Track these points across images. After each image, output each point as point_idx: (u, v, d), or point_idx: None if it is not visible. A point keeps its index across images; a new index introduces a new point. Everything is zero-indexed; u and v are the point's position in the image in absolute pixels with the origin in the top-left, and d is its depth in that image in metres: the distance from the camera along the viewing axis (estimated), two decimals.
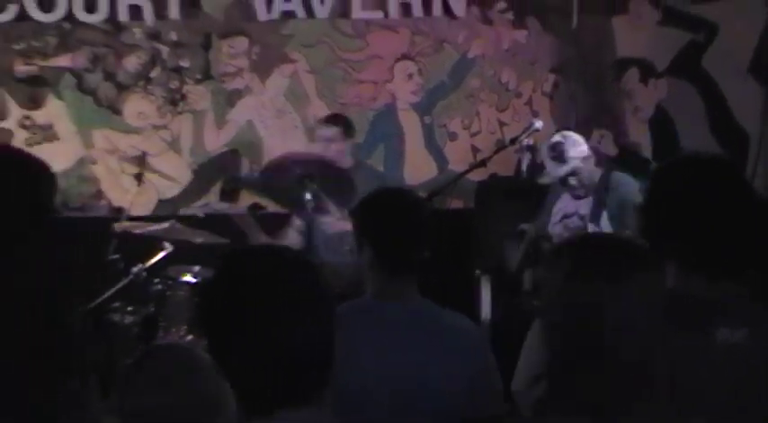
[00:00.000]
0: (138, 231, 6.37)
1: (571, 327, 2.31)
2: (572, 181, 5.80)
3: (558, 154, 5.81)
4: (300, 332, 1.87)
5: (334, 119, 6.50)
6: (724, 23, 7.50)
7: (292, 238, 6.25)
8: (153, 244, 6.34)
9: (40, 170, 3.06)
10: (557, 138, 6.00)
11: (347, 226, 6.06)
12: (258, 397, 1.88)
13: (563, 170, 5.80)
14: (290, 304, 1.87)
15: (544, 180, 6.35)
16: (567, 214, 5.85)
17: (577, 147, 5.84)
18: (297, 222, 6.39)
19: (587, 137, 7.45)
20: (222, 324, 1.90)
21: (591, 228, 5.62)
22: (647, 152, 7.07)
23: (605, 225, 5.60)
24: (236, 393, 1.90)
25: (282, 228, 6.56)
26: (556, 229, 5.87)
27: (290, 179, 6.02)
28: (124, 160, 7.04)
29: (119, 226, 6.29)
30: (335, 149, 6.26)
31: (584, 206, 5.77)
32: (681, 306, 2.57)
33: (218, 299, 1.94)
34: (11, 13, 7.03)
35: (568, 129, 7.32)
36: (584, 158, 5.84)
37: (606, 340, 2.21)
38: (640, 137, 6.66)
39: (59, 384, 2.77)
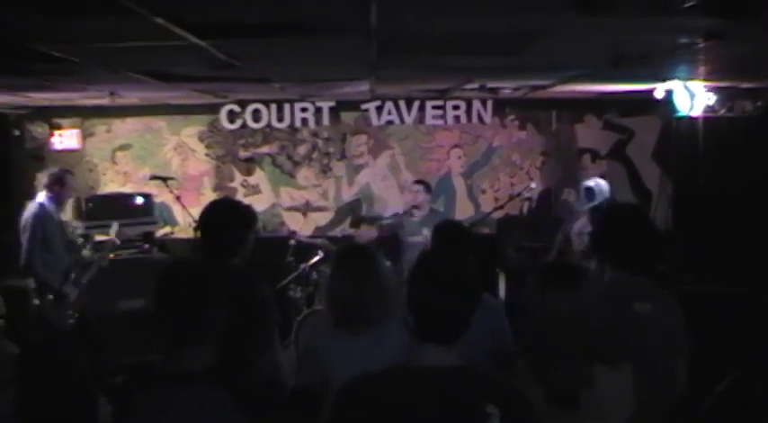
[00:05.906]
0: (304, 243, 6.46)
1: (529, 319, 2.37)
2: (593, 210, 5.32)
3: (591, 193, 5.42)
4: (443, 299, 1.78)
5: (422, 182, 6.54)
6: (638, 129, 7.44)
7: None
8: (312, 251, 6.36)
9: (249, 211, 3.07)
10: (591, 183, 5.49)
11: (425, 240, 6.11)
12: (417, 333, 1.80)
13: (592, 204, 5.38)
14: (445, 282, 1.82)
15: (582, 207, 5.54)
16: (581, 232, 5.35)
17: (603, 192, 5.44)
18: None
19: (560, 193, 7.42)
20: (410, 287, 1.84)
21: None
22: None
23: None
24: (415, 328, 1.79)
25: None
26: (579, 238, 5.38)
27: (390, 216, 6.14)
28: (297, 205, 7.14)
29: (293, 241, 6.38)
30: (421, 199, 6.33)
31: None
32: (613, 290, 2.56)
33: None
34: (238, 123, 7.15)
35: (551, 188, 7.27)
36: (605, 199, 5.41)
37: (548, 328, 2.25)
38: None
39: (259, 334, 2.74)
